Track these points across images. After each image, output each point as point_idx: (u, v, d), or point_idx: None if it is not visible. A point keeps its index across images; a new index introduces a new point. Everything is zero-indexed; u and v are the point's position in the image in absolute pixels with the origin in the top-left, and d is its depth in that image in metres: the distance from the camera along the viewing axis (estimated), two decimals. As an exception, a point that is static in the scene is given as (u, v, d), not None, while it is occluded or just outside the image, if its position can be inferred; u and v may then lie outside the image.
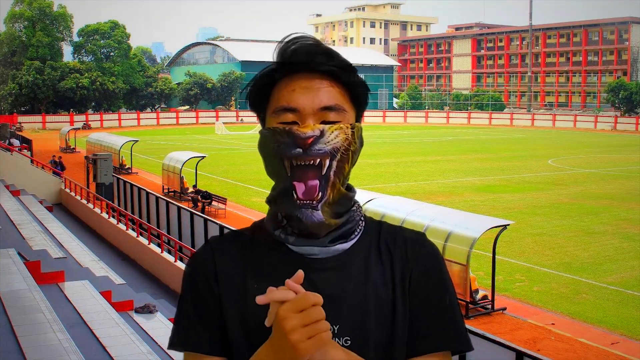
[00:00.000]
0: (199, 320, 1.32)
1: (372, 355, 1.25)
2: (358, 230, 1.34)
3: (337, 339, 1.23)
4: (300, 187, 1.26)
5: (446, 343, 1.31)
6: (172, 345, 1.34)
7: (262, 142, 1.31)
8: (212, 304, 1.31)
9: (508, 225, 12.45)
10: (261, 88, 1.32)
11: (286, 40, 1.32)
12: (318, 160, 1.25)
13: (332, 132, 1.25)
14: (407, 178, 27.69)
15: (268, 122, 1.31)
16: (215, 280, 1.32)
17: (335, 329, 1.24)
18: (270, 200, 1.34)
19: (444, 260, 1.38)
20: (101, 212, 19.29)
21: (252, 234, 1.37)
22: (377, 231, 1.36)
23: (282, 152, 1.26)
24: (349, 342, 1.24)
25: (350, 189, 1.35)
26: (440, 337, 1.30)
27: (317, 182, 1.26)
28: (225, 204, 20.28)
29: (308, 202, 1.26)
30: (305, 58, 1.27)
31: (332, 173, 1.26)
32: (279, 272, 1.26)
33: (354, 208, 1.34)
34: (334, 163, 1.26)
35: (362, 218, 1.36)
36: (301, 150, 1.24)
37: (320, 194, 1.26)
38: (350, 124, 1.28)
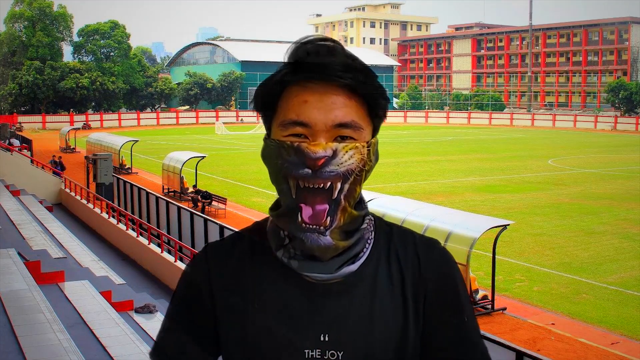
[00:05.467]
0: (186, 332, 1.25)
1: None
2: (367, 246, 1.22)
3: (338, 352, 1.17)
4: (307, 211, 1.13)
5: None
6: (155, 356, 1.28)
7: (266, 153, 1.17)
8: (203, 317, 1.24)
9: (508, 225, 12.45)
10: (269, 95, 1.18)
11: (300, 43, 1.17)
12: (329, 183, 1.12)
13: (347, 152, 1.11)
14: (407, 178, 27.70)
15: (274, 133, 1.16)
16: (210, 295, 1.24)
17: (340, 355, 1.17)
18: (273, 215, 1.21)
19: (459, 272, 1.27)
20: (101, 212, 19.29)
21: (252, 243, 1.26)
22: (387, 241, 1.24)
23: (288, 171, 1.12)
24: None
25: (361, 204, 1.22)
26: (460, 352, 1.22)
27: (326, 206, 1.13)
28: (225, 204, 20.28)
29: (314, 226, 1.13)
30: (320, 69, 1.13)
31: (342, 196, 1.13)
32: (280, 293, 1.20)
33: (364, 225, 1.22)
34: (346, 186, 1.13)
35: (372, 229, 1.24)
36: (310, 171, 1.11)
37: (329, 219, 1.13)
38: (367, 142, 1.15)
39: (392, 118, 74.86)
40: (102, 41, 70.97)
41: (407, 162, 33.26)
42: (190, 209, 17.48)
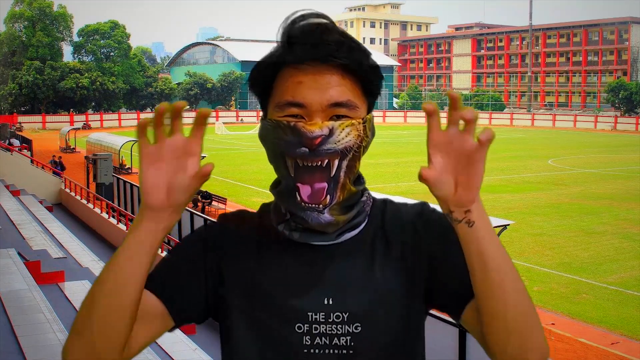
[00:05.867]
0: (175, 274, 1.23)
1: (383, 340, 1.20)
2: (366, 216, 1.25)
3: (347, 326, 1.18)
4: (305, 190, 1.15)
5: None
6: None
7: (264, 133, 1.19)
8: (200, 272, 1.23)
9: (508, 225, 12.45)
10: (264, 77, 1.19)
11: (291, 21, 1.17)
12: (326, 160, 1.13)
13: (343, 129, 1.13)
14: (407, 178, 27.68)
15: (270, 114, 1.18)
16: (217, 258, 1.24)
17: (345, 316, 1.18)
18: (274, 192, 1.24)
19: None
20: (101, 212, 19.28)
21: (258, 218, 1.29)
22: (382, 211, 1.27)
23: (285, 150, 1.14)
24: (360, 328, 1.19)
25: (359, 179, 1.24)
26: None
27: (325, 184, 1.15)
28: (225, 204, 20.28)
29: (314, 205, 1.15)
30: (314, 49, 1.13)
31: (342, 173, 1.15)
32: (283, 260, 1.23)
33: (364, 198, 1.25)
34: (344, 163, 1.15)
35: (371, 202, 1.27)
36: (307, 150, 1.12)
37: (328, 197, 1.15)
38: (362, 118, 1.16)
39: (392, 118, 74.91)
40: (102, 41, 71.00)
41: (407, 162, 33.24)
42: (190, 209, 17.46)
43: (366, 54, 1.18)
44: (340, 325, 1.18)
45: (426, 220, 1.25)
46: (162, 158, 1.05)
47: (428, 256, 1.23)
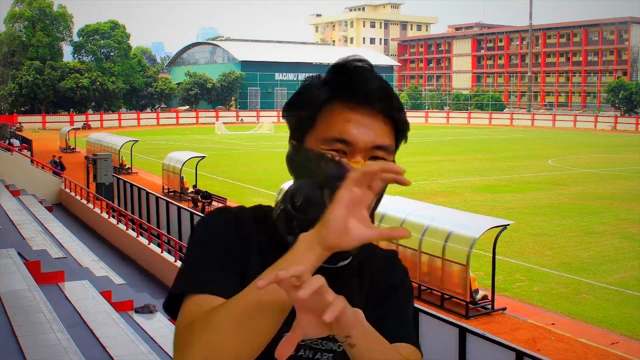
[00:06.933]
0: (220, 264, 1.19)
1: None
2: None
3: (331, 344, 1.23)
4: None
5: (409, 338, 1.29)
6: (182, 287, 1.16)
7: (302, 159, 1.23)
8: (234, 254, 1.22)
9: (508, 225, 12.45)
10: (311, 106, 1.24)
11: (345, 61, 1.25)
12: None
13: None
14: (407, 178, 27.69)
15: (309, 142, 1.23)
16: (240, 241, 1.24)
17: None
18: (298, 216, 1.23)
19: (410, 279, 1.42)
20: (101, 212, 19.30)
21: (255, 220, 1.29)
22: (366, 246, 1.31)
23: (325, 182, 1.17)
24: (342, 348, 1.18)
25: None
26: (405, 334, 1.28)
27: None
28: (225, 204, 20.29)
29: None
30: (367, 92, 1.21)
31: (370, 212, 1.16)
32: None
33: None
34: (374, 201, 1.15)
35: None
36: None
37: None
38: (393, 161, 1.23)
39: (392, 118, 74.78)
40: (102, 41, 70.99)
41: (407, 162, 33.24)
42: (190, 209, 17.49)
43: (401, 105, 1.27)
44: (325, 342, 1.23)
45: (390, 266, 1.36)
46: (359, 206, 1.04)
47: (376, 300, 1.31)
